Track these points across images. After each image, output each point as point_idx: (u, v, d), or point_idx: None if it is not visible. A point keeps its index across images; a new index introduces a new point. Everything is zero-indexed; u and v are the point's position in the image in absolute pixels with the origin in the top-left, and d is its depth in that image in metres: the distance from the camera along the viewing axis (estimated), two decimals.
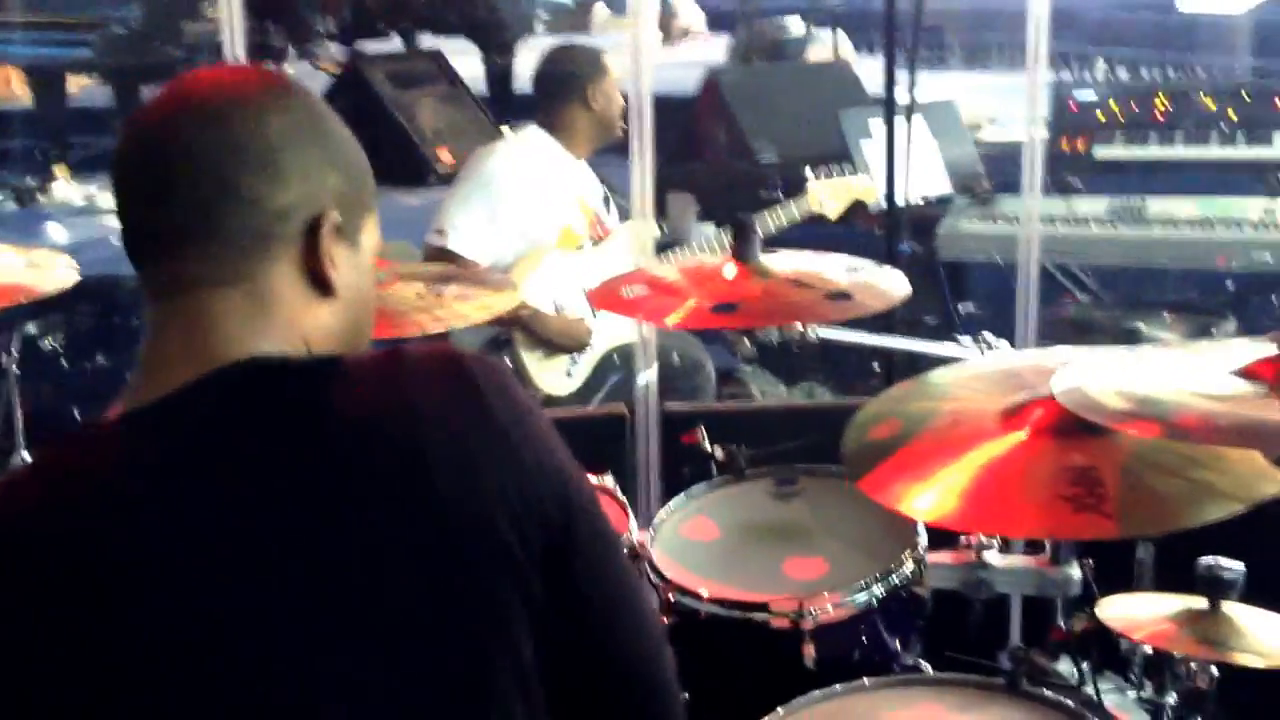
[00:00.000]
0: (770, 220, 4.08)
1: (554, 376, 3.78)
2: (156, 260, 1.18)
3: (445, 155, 7.04)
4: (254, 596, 1.07)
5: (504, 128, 6.09)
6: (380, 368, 1.17)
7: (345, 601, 1.08)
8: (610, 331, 3.82)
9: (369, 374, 1.16)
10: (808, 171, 4.24)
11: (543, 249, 3.78)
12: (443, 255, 3.62)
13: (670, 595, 2.10)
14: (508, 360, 3.72)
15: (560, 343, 3.76)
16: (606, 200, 4.06)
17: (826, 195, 4.21)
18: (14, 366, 3.04)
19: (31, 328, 4.32)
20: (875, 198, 4.25)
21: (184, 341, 1.16)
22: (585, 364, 3.85)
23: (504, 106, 7.32)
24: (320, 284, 1.20)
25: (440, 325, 2.24)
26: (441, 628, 1.10)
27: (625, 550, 1.28)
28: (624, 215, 3.99)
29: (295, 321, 1.19)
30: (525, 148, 3.89)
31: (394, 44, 8.59)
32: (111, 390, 1.22)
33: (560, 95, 3.89)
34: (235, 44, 3.30)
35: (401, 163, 6.80)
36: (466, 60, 8.06)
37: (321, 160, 1.21)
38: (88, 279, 2.77)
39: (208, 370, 1.14)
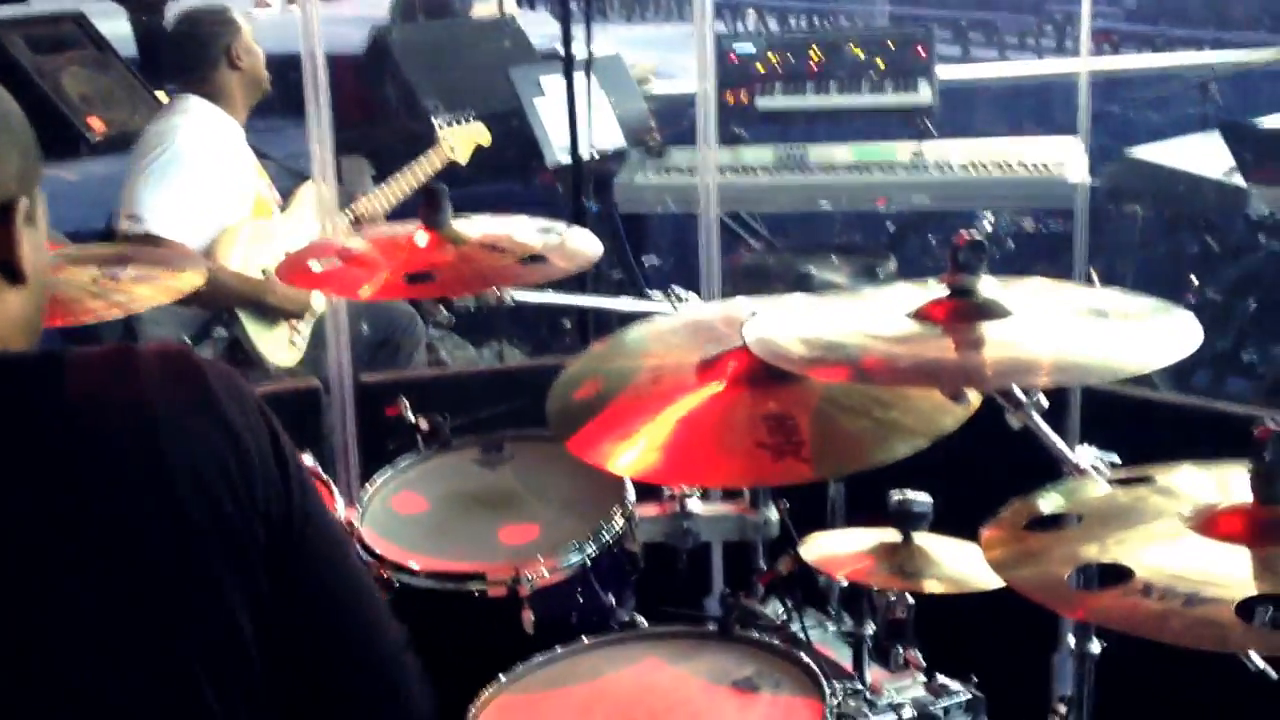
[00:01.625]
0: (415, 174, 4.11)
1: (278, 348, 3.67)
2: None
3: (96, 124, 6.62)
4: None
5: (160, 93, 5.80)
6: (110, 365, 1.14)
7: (65, 598, 1.06)
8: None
9: (99, 371, 1.13)
10: (435, 121, 4.30)
11: (241, 220, 3.66)
12: (143, 242, 3.42)
13: (384, 572, 2.07)
14: (233, 337, 3.63)
15: (288, 308, 3.64)
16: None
17: (456, 142, 4.31)
18: None
19: None
20: (488, 139, 4.44)
21: None
22: (305, 332, 3.76)
23: (155, 70, 6.94)
24: (12, 273, 1.15)
25: (119, 310, 2.11)
26: (167, 623, 1.09)
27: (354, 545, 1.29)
28: (291, 180, 3.90)
29: None
30: (200, 117, 3.72)
31: (29, 7, 8.01)
32: None
33: (206, 60, 3.75)
34: None
35: (50, 134, 6.36)
36: (111, 22, 7.60)
37: (3, 143, 1.14)
38: None
39: None
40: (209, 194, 3.60)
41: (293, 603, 1.16)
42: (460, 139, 4.35)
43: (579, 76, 3.84)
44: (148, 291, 2.16)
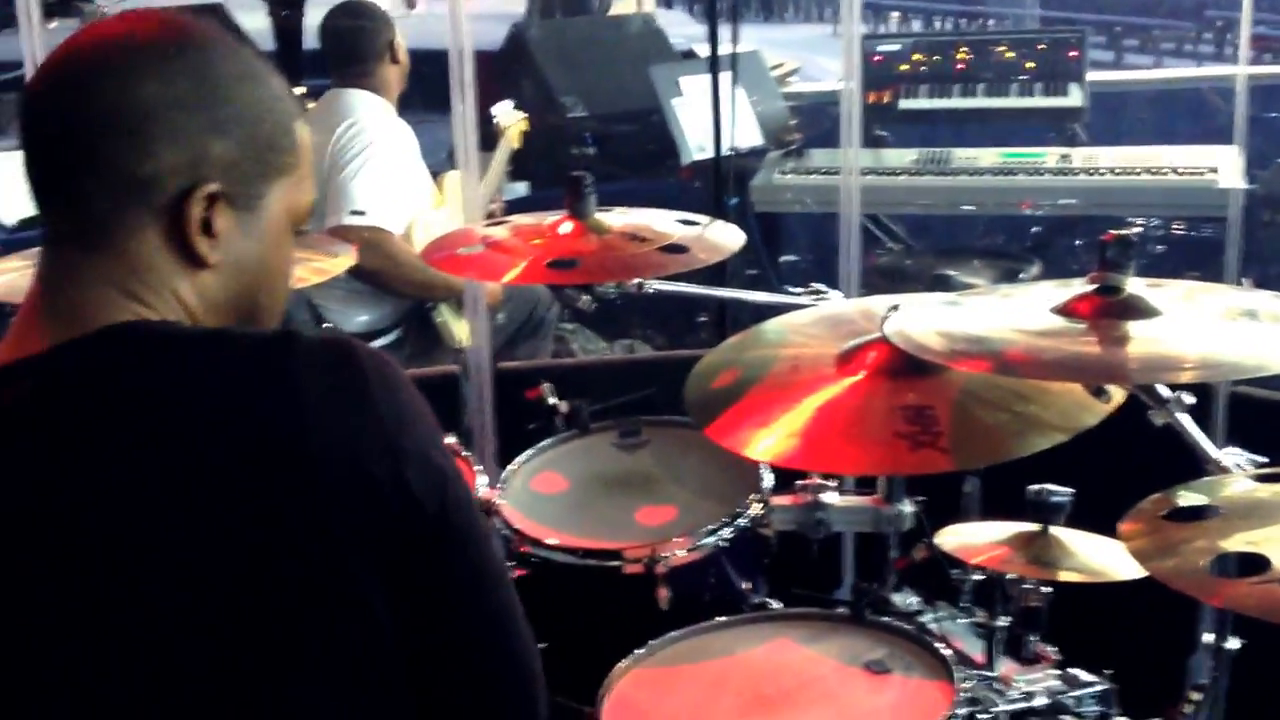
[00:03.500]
0: (494, 174, 4.15)
1: (466, 331, 3.77)
2: (39, 211, 1.19)
3: None
4: (83, 563, 1.07)
5: (299, 88, 5.93)
6: (267, 347, 1.16)
7: (187, 580, 1.07)
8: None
9: (255, 351, 1.15)
10: (496, 112, 4.30)
11: (422, 211, 3.79)
12: (372, 236, 3.55)
13: (524, 548, 2.13)
14: (425, 322, 3.76)
15: (488, 301, 3.68)
16: None
17: (514, 131, 4.34)
18: None
19: None
20: (526, 125, 4.44)
21: (52, 297, 1.17)
22: (501, 319, 3.87)
23: (294, 65, 7.08)
24: (189, 255, 1.18)
25: None
26: (299, 611, 1.10)
27: (500, 550, 1.29)
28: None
29: (169, 288, 1.18)
30: (380, 112, 3.82)
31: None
32: None
33: (373, 54, 3.83)
34: None
35: None
36: (250, 15, 7.74)
37: (204, 127, 1.17)
38: None
39: (72, 333, 1.13)
40: (406, 186, 3.74)
41: (434, 595, 1.17)
42: (516, 129, 4.37)
43: (722, 75, 3.85)
44: (301, 273, 2.25)
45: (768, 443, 1.88)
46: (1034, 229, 4.86)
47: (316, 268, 2.34)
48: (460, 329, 3.77)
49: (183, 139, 1.16)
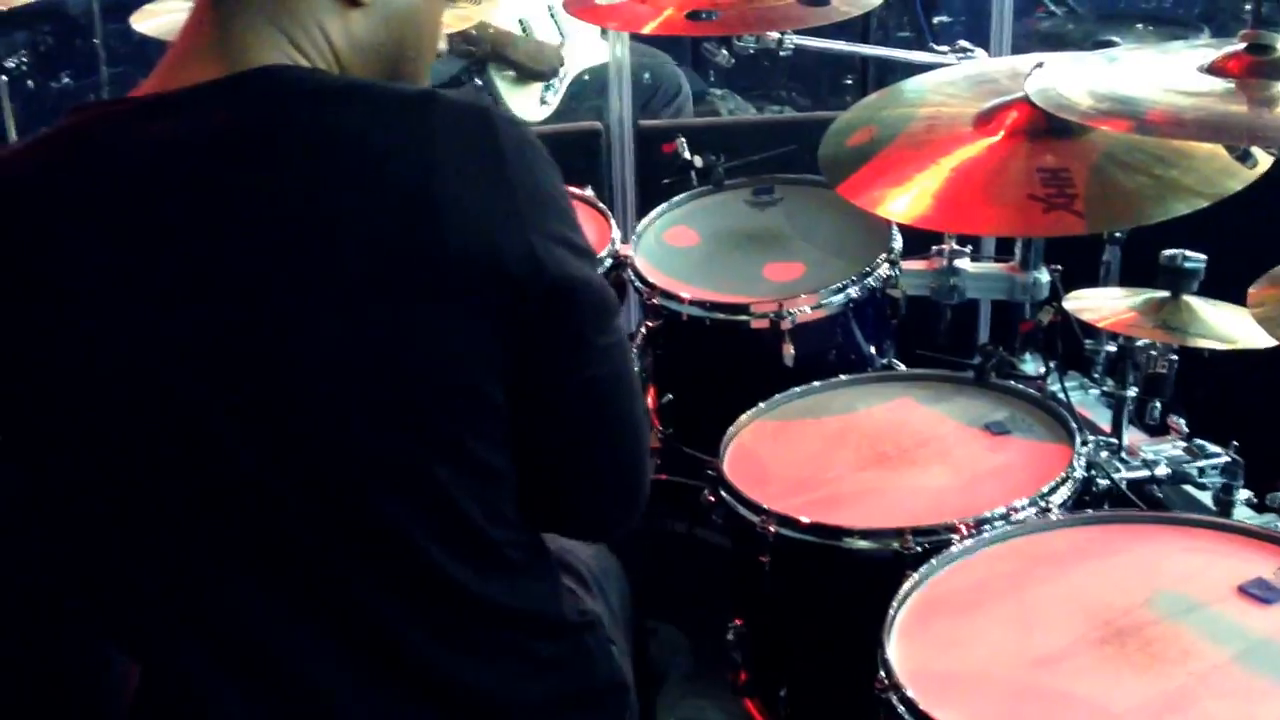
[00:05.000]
0: None
1: (528, 105, 3.72)
2: None
3: None
4: (218, 294, 1.11)
5: None
6: (407, 105, 1.16)
7: (315, 325, 1.10)
8: (582, 54, 3.76)
9: (396, 107, 1.16)
10: None
11: None
12: None
13: (654, 300, 2.17)
14: (481, 86, 3.67)
15: (530, 66, 3.67)
16: None
17: None
18: None
19: None
20: None
21: (208, 31, 1.17)
22: (558, 90, 3.79)
23: None
24: None
25: None
26: (423, 353, 1.13)
27: (624, 324, 1.27)
28: None
29: (320, 28, 1.18)
30: None
31: None
32: None
33: None
34: None
35: None
36: None
37: None
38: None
39: (228, 69, 1.15)
40: None
41: (547, 369, 1.18)
42: None
43: None
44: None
45: (900, 202, 1.87)
46: None
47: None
48: (521, 100, 3.68)
49: None
